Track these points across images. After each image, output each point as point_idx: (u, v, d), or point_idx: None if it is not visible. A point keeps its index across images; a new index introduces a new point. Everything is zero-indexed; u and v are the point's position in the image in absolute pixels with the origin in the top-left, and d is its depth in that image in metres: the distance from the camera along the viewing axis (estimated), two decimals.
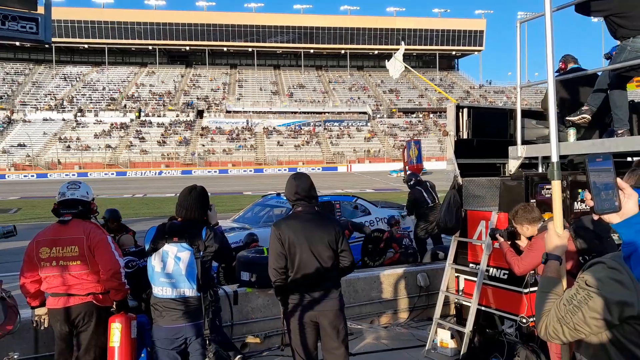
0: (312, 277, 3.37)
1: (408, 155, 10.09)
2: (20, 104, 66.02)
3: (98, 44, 75.39)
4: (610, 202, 1.52)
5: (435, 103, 71.42)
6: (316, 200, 3.60)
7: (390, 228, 8.75)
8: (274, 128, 64.85)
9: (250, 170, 55.10)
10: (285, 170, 54.34)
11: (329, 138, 63.58)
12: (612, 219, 1.54)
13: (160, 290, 3.39)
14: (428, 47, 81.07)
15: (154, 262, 3.39)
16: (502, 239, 4.16)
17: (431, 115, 69.01)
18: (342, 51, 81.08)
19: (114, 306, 3.73)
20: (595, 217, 1.56)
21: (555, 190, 2.08)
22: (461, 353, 4.80)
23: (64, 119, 62.99)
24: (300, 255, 3.36)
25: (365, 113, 69.18)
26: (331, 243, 3.42)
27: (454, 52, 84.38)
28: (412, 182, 8.91)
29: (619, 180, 1.54)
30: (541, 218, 3.93)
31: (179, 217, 3.47)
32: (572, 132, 4.67)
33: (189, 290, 3.38)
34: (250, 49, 79.17)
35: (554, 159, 2.13)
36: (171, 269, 3.35)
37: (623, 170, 1.74)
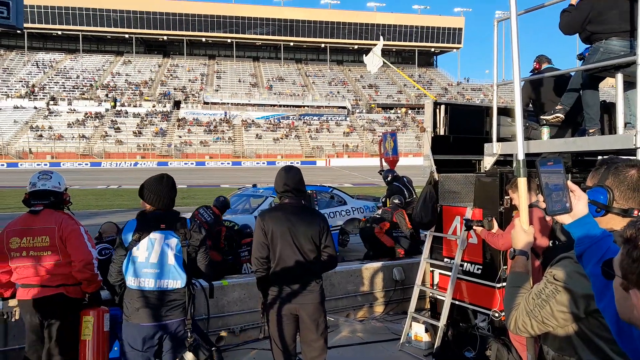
0: (293, 270, 3.38)
1: (384, 147, 10.16)
2: None
3: (72, 31, 73.46)
4: (561, 204, 1.57)
5: (413, 99, 71.90)
6: (304, 194, 3.61)
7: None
8: (252, 121, 64.39)
9: (228, 163, 54.60)
10: (263, 163, 54.06)
11: (308, 132, 63.47)
12: (564, 219, 1.60)
13: (142, 281, 3.18)
14: (407, 43, 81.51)
15: (137, 253, 3.19)
16: (479, 228, 4.24)
17: (409, 112, 69.51)
18: (322, 45, 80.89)
19: (87, 299, 3.67)
20: (548, 219, 1.62)
21: (521, 187, 2.12)
22: (435, 346, 4.87)
23: (35, 107, 61.30)
24: (282, 247, 3.37)
25: (344, 108, 69.26)
26: (314, 237, 3.43)
27: (432, 49, 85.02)
28: (389, 178, 8.98)
29: (569, 182, 1.60)
30: (537, 190, 3.96)
31: (153, 207, 3.30)
32: (545, 131, 4.78)
33: (173, 282, 3.22)
34: (229, 40, 78.26)
35: (520, 156, 2.18)
36: (157, 258, 3.19)
37: (591, 169, 1.80)
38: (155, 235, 3.22)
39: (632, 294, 1.01)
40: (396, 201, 8.02)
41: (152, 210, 3.33)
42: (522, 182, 2.13)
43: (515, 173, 2.14)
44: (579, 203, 1.58)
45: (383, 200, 9.44)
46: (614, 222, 1.64)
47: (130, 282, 3.22)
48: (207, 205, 7.42)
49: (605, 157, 2.42)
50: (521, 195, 2.13)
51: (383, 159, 10.18)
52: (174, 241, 3.25)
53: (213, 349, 4.37)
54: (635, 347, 1.21)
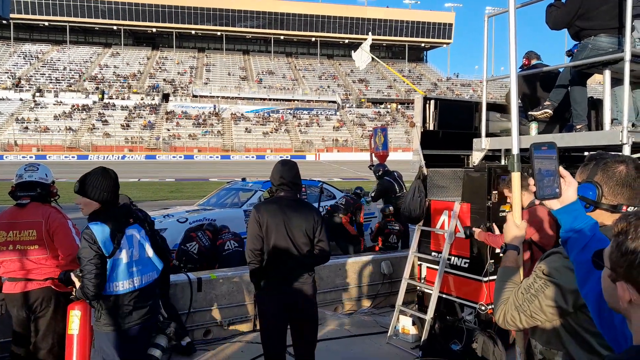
0: (287, 262, 3.40)
1: (374, 142, 10.17)
2: None
3: (59, 22, 72.41)
4: (551, 189, 1.58)
5: (403, 94, 72.05)
6: (300, 188, 3.63)
7: (382, 220, 8.46)
8: (242, 114, 64.08)
9: (217, 157, 54.36)
10: (253, 157, 53.90)
11: (298, 126, 63.35)
12: (553, 205, 1.60)
13: (130, 282, 3.04)
14: (398, 38, 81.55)
15: (119, 255, 3.00)
16: (478, 230, 4.29)
17: (399, 106, 69.64)
18: (313, 39, 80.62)
19: (74, 293, 3.64)
20: (537, 203, 1.63)
21: (515, 182, 2.14)
22: (422, 339, 4.91)
23: (21, 99, 60.42)
24: (276, 239, 3.38)
25: (334, 102, 69.19)
26: (308, 231, 3.45)
27: (423, 44, 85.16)
28: (380, 173, 9.00)
29: (560, 168, 1.60)
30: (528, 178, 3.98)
31: (100, 202, 3.03)
32: (534, 126, 4.82)
33: (154, 273, 3.21)
34: (219, 33, 77.68)
35: (515, 151, 2.20)
36: (138, 254, 3.12)
37: (579, 164, 1.81)
38: (130, 232, 3.10)
39: (618, 286, 1.02)
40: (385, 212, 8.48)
41: (99, 208, 3.03)
42: (516, 177, 2.14)
43: (510, 168, 2.15)
44: (569, 189, 1.59)
45: (372, 194, 9.45)
46: (603, 218, 1.66)
47: (120, 287, 3.02)
48: (200, 226, 7.30)
49: (594, 152, 2.44)
50: (514, 190, 2.13)
51: (373, 154, 10.20)
52: (143, 233, 3.20)
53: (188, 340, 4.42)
54: (614, 334, 1.23)
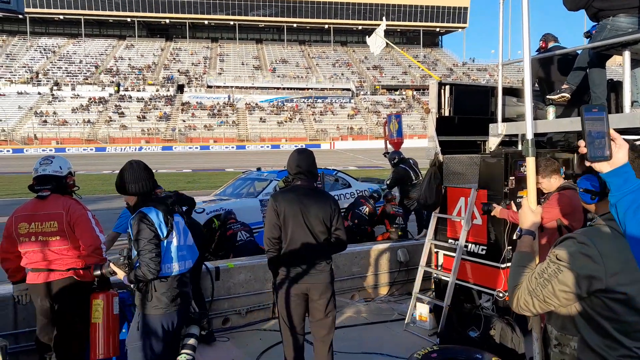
0: (304, 250, 3.42)
1: (389, 129, 10.11)
2: None
3: (74, 15, 72.99)
4: (602, 151, 1.55)
5: (418, 80, 71.29)
6: (316, 176, 3.66)
7: (385, 203, 8.70)
8: (256, 104, 64.14)
9: (232, 147, 54.60)
10: (268, 147, 54.00)
11: (312, 115, 63.20)
12: (603, 167, 1.57)
13: (181, 265, 3.18)
14: (412, 23, 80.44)
15: (172, 238, 3.14)
16: (498, 207, 4.25)
17: (414, 93, 68.97)
18: (326, 26, 79.98)
19: (96, 282, 3.72)
20: (587, 164, 1.60)
21: (530, 166, 2.11)
22: (439, 326, 4.91)
23: (39, 93, 61.28)
24: (293, 228, 3.40)
25: (348, 89, 68.79)
26: (325, 219, 3.46)
27: (437, 29, 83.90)
28: (395, 161, 8.95)
29: (611, 130, 1.57)
30: (560, 169, 3.94)
31: (138, 195, 3.16)
32: (551, 110, 4.73)
33: (192, 261, 3.33)
34: (232, 23, 77.53)
35: (529, 135, 2.17)
36: (184, 240, 3.27)
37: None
38: (177, 219, 3.25)
39: None
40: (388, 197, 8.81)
41: (142, 197, 3.14)
42: (530, 161, 2.12)
43: (524, 152, 2.12)
44: (620, 151, 1.56)
45: (387, 182, 9.43)
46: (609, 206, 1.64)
47: (174, 268, 3.14)
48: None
49: None
50: (529, 175, 2.11)
51: (388, 141, 10.13)
52: (182, 221, 3.33)
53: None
54: None
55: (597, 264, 1.59)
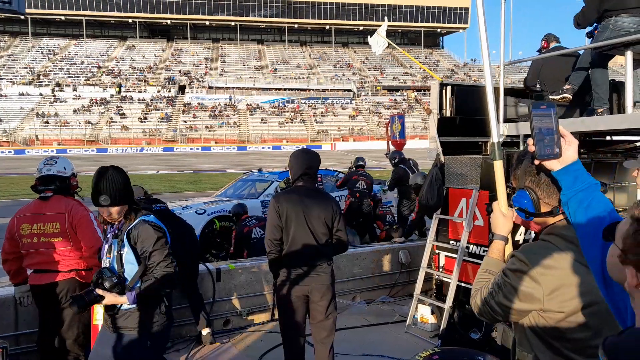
0: (306, 252, 3.41)
1: (391, 130, 10.10)
2: None
3: (75, 16, 73.21)
4: (551, 149, 1.50)
5: (420, 81, 71.30)
6: (317, 177, 3.66)
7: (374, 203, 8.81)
8: (257, 105, 64.18)
9: (234, 148, 54.64)
10: (269, 148, 54.01)
11: (313, 116, 63.23)
12: (553, 165, 1.51)
13: None
14: (413, 23, 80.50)
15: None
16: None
17: (415, 93, 68.95)
18: (327, 27, 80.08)
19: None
20: (536, 163, 1.55)
21: (498, 170, 2.05)
22: (441, 328, 4.89)
23: (41, 94, 61.40)
24: (295, 229, 3.39)
25: (349, 90, 68.80)
26: (327, 220, 3.45)
27: (439, 30, 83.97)
28: (396, 160, 8.95)
29: (560, 127, 1.51)
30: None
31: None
32: None
33: None
34: (233, 23, 77.66)
35: (495, 139, 2.11)
36: None
37: (602, 149, 1.75)
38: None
39: (627, 271, 0.99)
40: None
41: (131, 205, 2.90)
42: (498, 165, 2.03)
43: (491, 156, 2.05)
44: (569, 148, 1.50)
45: (388, 183, 9.42)
46: (546, 220, 1.64)
47: None
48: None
49: (520, 151, 2.33)
50: (497, 178, 2.02)
51: (390, 142, 10.13)
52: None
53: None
54: (616, 299, 1.21)
55: (535, 282, 1.58)
